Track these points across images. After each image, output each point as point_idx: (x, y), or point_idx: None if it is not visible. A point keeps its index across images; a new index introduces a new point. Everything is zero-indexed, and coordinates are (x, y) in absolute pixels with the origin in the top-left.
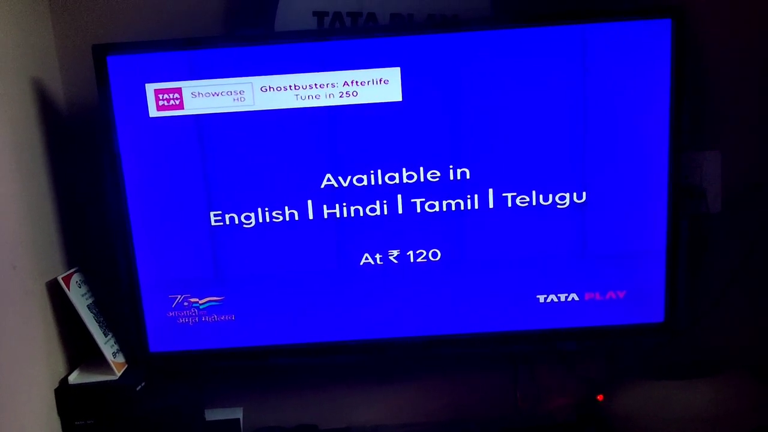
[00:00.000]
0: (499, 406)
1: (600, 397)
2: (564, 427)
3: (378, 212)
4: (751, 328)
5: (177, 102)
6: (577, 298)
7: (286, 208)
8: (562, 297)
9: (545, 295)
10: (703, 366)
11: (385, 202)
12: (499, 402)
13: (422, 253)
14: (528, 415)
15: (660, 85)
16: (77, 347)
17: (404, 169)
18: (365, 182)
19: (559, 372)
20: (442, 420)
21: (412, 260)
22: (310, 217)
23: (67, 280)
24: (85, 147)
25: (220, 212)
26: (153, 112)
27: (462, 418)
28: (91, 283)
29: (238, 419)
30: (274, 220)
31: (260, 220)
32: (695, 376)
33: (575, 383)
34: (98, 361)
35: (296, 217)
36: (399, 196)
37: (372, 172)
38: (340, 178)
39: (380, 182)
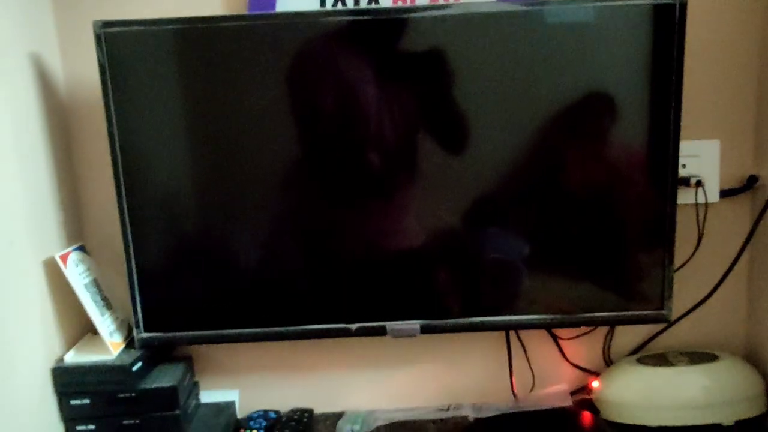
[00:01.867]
0: (494, 391)
1: (594, 384)
2: (559, 412)
3: None
4: (746, 318)
5: None
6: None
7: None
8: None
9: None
10: (698, 354)
11: None
12: (495, 388)
13: None
14: (523, 400)
15: (664, 70)
16: (74, 326)
17: None
18: None
19: (555, 358)
20: (437, 405)
21: None
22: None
23: (64, 258)
24: (83, 123)
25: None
26: None
27: (457, 404)
28: (88, 262)
29: (234, 402)
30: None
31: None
32: (689, 364)
33: (570, 370)
34: (95, 340)
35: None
36: None
37: None
38: None
39: None
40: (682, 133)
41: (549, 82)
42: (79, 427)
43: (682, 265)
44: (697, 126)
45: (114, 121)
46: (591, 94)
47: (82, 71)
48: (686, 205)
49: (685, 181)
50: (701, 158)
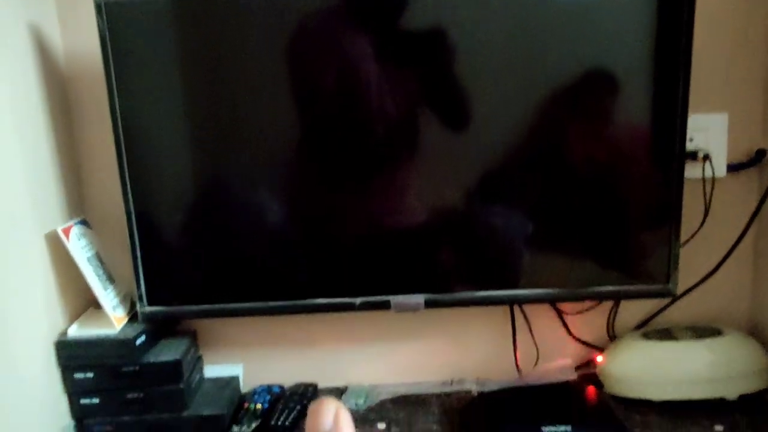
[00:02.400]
0: (498, 366)
1: (599, 358)
2: (563, 386)
3: None
4: (751, 293)
5: None
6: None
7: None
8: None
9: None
10: (703, 329)
11: None
12: (499, 362)
13: None
14: (527, 375)
15: (673, 42)
16: (77, 300)
17: None
18: None
19: (559, 334)
20: (441, 380)
21: None
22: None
23: (66, 231)
24: (83, 95)
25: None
26: None
27: (461, 378)
28: (90, 236)
29: (238, 376)
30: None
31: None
32: (694, 339)
33: (574, 345)
34: (98, 314)
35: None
36: None
37: None
38: None
39: None
40: (690, 106)
41: (554, 55)
42: (83, 401)
43: (688, 240)
44: (705, 99)
45: (115, 92)
46: (597, 66)
47: (82, 42)
48: (693, 179)
49: (693, 155)
50: (709, 132)
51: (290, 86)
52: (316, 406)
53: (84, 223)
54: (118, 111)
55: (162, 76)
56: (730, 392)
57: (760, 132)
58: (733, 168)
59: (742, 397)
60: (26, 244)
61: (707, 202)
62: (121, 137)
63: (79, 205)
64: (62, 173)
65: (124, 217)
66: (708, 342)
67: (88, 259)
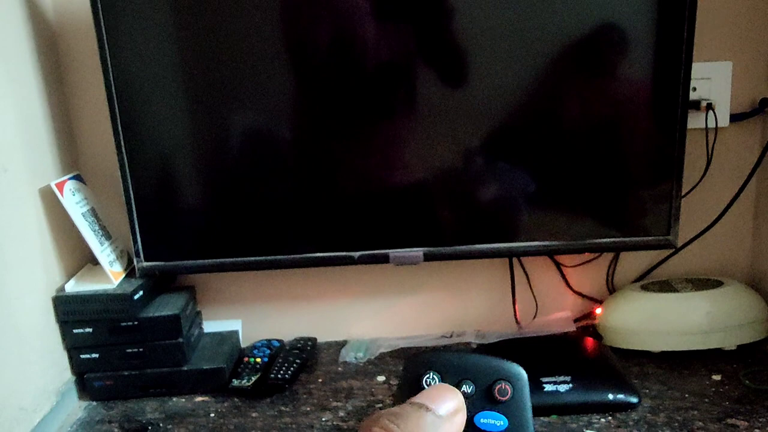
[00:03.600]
0: (497, 319)
1: (598, 311)
2: (561, 338)
3: None
4: (752, 243)
5: None
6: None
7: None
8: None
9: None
10: (702, 281)
11: None
12: (498, 315)
13: None
14: (526, 327)
15: None
16: (73, 256)
17: None
18: None
19: (558, 286)
20: (440, 333)
21: None
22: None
23: (60, 186)
24: (73, 46)
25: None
26: None
27: (460, 331)
28: (85, 191)
29: (237, 330)
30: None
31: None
32: (694, 291)
33: (574, 297)
34: (95, 270)
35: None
36: None
37: None
38: None
39: None
40: (694, 54)
41: (556, 4)
42: (83, 356)
43: (690, 191)
44: (708, 47)
45: (105, 43)
46: (599, 15)
47: None
48: (695, 129)
49: (696, 105)
50: (712, 81)
51: (288, 37)
52: (445, 389)
53: (78, 178)
54: (109, 62)
55: (154, 26)
56: (729, 342)
57: (765, 81)
58: (736, 118)
59: (741, 347)
60: (21, 199)
61: (710, 152)
62: (113, 90)
63: (73, 160)
64: (55, 128)
65: (119, 172)
66: (707, 293)
67: (83, 215)
